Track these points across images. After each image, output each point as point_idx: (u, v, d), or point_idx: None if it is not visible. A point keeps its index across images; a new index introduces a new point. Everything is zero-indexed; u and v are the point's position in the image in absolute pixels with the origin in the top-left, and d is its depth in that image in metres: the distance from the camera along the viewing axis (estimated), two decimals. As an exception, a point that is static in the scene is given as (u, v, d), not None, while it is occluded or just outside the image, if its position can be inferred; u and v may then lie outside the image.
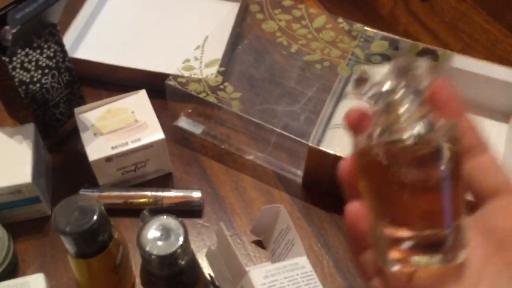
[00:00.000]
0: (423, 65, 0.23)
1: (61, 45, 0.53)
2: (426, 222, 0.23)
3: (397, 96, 0.23)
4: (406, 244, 0.23)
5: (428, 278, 0.24)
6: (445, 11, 0.76)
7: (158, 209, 0.53)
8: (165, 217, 0.39)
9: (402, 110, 0.23)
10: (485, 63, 0.60)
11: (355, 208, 0.24)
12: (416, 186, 0.22)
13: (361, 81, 0.24)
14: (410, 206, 0.23)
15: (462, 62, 0.60)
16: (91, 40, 0.69)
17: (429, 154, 0.22)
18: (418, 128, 0.22)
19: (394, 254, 0.23)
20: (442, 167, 0.22)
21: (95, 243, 0.40)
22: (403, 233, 0.23)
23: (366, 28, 0.61)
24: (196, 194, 0.54)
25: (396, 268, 0.23)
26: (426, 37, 0.73)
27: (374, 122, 0.24)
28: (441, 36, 0.73)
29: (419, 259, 0.23)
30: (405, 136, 0.22)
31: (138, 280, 0.47)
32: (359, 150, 0.24)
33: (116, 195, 0.53)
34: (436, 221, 0.23)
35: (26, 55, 0.50)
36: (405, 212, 0.23)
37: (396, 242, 0.23)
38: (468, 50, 0.71)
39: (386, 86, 0.23)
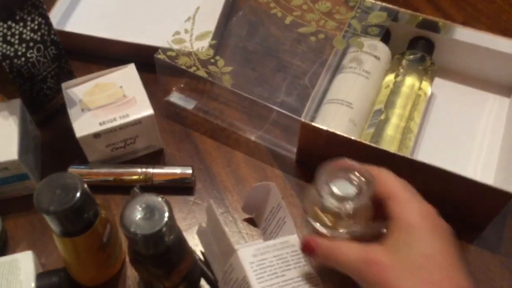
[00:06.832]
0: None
1: (45, 17, 0.51)
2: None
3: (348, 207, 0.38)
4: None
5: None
6: (449, -20, 0.73)
7: (148, 186, 0.52)
8: (148, 195, 0.37)
9: (345, 218, 0.38)
10: (488, 34, 0.57)
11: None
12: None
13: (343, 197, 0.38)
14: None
15: (464, 33, 0.58)
16: (81, 13, 0.67)
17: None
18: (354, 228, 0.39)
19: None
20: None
21: (79, 221, 0.40)
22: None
23: (364, -2, 0.59)
24: (188, 171, 0.53)
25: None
26: (427, 8, 0.70)
27: (327, 214, 0.39)
28: (444, 6, 0.70)
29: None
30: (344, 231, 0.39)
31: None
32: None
33: (106, 172, 0.53)
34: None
35: (9, 28, 0.48)
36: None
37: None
38: (471, 21, 0.68)
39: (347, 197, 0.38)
